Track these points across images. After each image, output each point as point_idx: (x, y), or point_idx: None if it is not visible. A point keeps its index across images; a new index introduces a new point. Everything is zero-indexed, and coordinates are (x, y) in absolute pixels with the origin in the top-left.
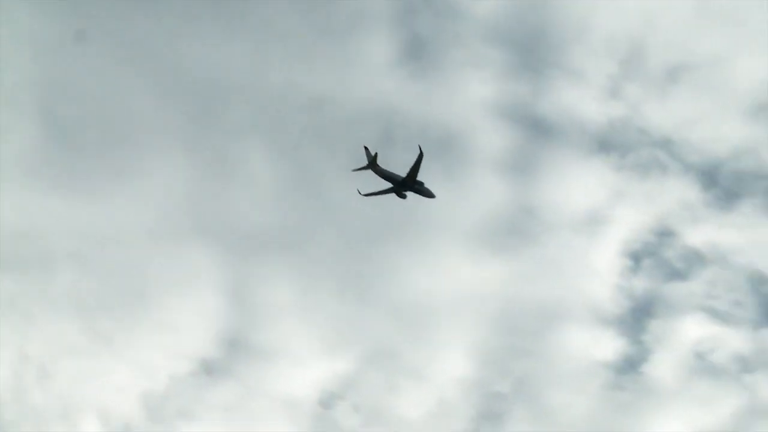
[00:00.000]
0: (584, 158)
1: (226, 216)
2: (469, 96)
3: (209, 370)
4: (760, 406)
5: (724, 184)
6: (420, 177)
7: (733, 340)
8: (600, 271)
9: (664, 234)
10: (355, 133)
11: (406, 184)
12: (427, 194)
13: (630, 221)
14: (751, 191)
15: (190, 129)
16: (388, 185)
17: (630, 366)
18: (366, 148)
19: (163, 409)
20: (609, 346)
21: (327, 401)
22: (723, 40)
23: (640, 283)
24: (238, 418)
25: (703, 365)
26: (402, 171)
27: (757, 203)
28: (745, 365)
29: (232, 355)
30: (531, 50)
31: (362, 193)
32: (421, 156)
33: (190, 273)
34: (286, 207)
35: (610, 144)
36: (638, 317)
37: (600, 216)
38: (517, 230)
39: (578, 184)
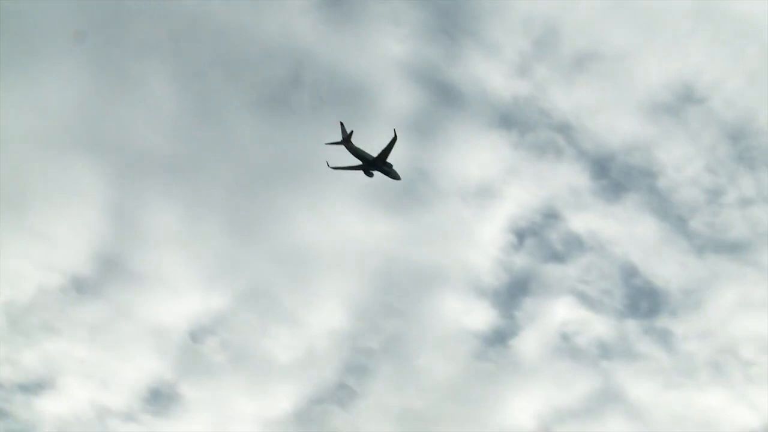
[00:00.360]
0: (485, 131)
1: (119, 134)
2: (383, 51)
3: (80, 287)
4: (611, 392)
5: (612, 176)
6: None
7: (597, 326)
8: (483, 243)
9: (550, 216)
10: (263, 70)
11: (376, 164)
12: (394, 176)
13: (519, 199)
14: (636, 187)
15: (94, 39)
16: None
17: (498, 338)
18: (342, 124)
19: (26, 321)
20: (481, 316)
21: (197, 334)
22: (632, 36)
23: (520, 260)
24: (104, 339)
25: (567, 346)
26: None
27: (639, 199)
28: (605, 351)
29: (105, 275)
30: (449, 15)
31: (330, 165)
32: (394, 140)
33: (74, 186)
34: (182, 134)
35: (512, 121)
36: (513, 293)
37: (491, 189)
38: (409, 192)
39: (475, 156)
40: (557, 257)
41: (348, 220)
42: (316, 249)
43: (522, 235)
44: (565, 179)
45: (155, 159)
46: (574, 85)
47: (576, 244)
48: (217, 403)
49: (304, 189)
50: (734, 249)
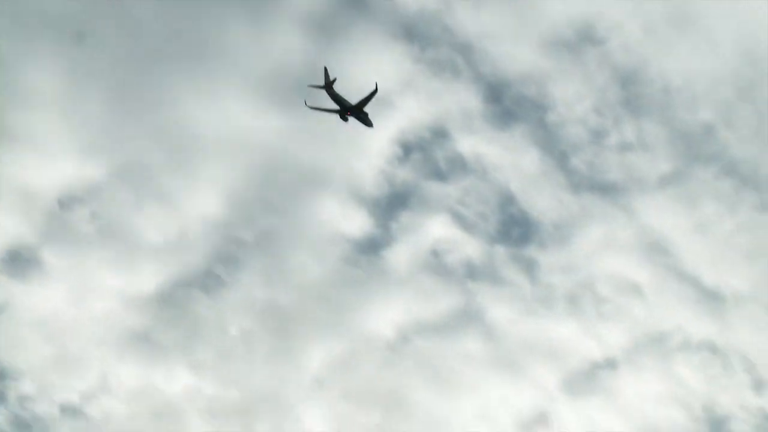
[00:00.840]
0: (387, 40)
1: None
2: None
3: None
4: (472, 312)
5: (504, 104)
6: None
7: (468, 248)
8: (370, 152)
9: (439, 134)
10: None
11: (353, 111)
12: (367, 123)
13: (411, 113)
14: (526, 118)
15: None
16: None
17: (371, 247)
18: (326, 69)
19: None
20: (357, 224)
21: (66, 203)
22: None
23: (403, 174)
24: None
25: (436, 263)
26: None
27: (526, 130)
28: (471, 273)
29: None
30: None
31: (308, 104)
32: (375, 92)
33: None
34: None
35: (415, 34)
36: (392, 205)
37: (386, 100)
38: (304, 91)
39: (374, 64)
40: (440, 175)
41: (238, 109)
42: (201, 134)
43: (409, 149)
44: (458, 100)
45: (41, 14)
46: (481, 7)
47: (459, 165)
48: (79, 273)
49: (197, 72)
50: (607, 191)
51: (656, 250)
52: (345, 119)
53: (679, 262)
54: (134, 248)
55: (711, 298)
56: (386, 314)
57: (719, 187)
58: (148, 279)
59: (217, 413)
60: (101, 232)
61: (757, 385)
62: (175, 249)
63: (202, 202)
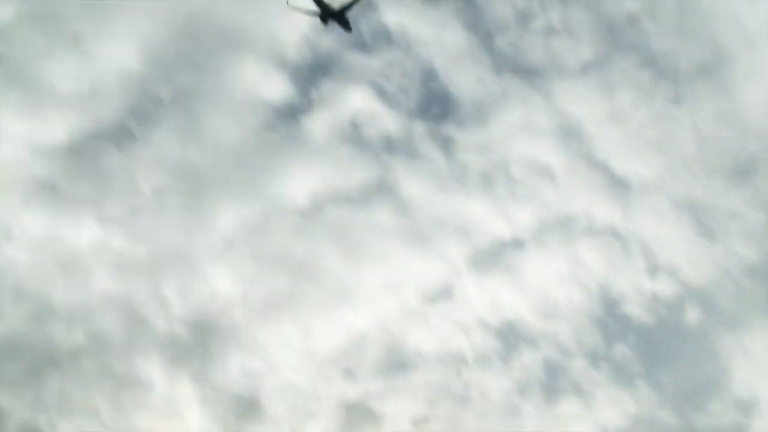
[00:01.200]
0: None
1: None
2: None
3: None
4: (386, 185)
5: None
6: None
7: (387, 121)
8: (295, 17)
9: (365, 4)
10: None
11: (335, 16)
12: (347, 28)
13: None
14: None
15: None
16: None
17: (290, 114)
18: None
19: None
20: (278, 89)
21: None
22: None
23: (327, 42)
24: None
25: (354, 135)
26: None
27: (454, 6)
28: (389, 146)
29: None
30: None
31: (289, 4)
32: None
33: None
34: None
35: None
36: (314, 72)
37: None
38: None
39: None
40: (363, 46)
41: None
42: None
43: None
44: None
45: None
46: None
47: (384, 37)
48: None
49: None
50: (528, 74)
51: (570, 135)
52: (325, 23)
53: (592, 149)
54: (43, 95)
55: (618, 186)
56: (301, 182)
57: (637, 78)
58: (57, 128)
59: (124, 268)
60: (7, 75)
61: (652, 271)
62: (88, 100)
63: (118, 53)
